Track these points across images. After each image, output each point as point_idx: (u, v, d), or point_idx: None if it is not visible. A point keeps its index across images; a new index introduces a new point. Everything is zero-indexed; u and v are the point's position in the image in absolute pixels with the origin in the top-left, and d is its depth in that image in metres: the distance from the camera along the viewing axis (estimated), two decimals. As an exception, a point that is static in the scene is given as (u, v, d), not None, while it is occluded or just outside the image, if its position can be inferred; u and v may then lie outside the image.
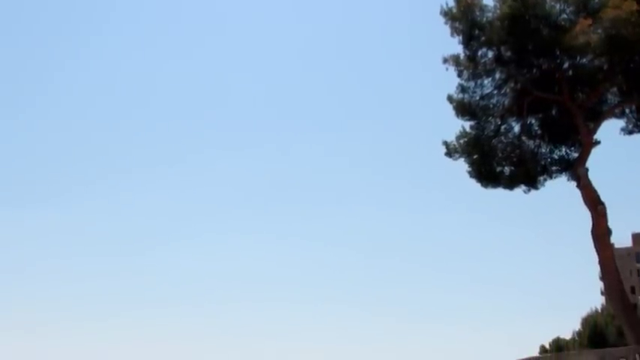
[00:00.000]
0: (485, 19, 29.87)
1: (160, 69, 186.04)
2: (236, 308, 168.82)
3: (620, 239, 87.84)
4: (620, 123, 31.54)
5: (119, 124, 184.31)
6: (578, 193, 30.05)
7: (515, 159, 32.21)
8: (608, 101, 31.11)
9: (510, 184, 32.38)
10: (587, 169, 29.83)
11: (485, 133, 32.06)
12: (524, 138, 32.36)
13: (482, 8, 29.93)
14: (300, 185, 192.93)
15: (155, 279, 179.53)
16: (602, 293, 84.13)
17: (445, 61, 31.13)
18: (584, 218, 29.99)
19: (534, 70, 30.59)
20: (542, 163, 32.59)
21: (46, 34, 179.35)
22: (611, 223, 29.54)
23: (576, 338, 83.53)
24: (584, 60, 29.58)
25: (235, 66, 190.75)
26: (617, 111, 31.10)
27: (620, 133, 31.67)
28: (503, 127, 32.24)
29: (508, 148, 32.34)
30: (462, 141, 31.99)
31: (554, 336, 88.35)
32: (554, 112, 31.88)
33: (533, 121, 32.57)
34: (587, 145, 30.02)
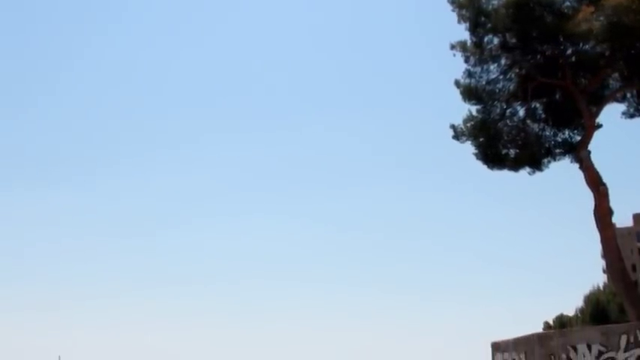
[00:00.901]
0: (490, 6, 30.36)
1: (174, 55, 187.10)
2: (250, 287, 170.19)
3: (622, 219, 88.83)
4: (622, 107, 31.94)
5: (135, 108, 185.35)
6: (580, 174, 30.46)
7: (520, 142, 32.62)
8: (610, 86, 31.46)
9: (515, 165, 32.84)
10: (589, 152, 30.25)
11: (491, 116, 32.45)
12: (528, 121, 32.72)
13: (488, -4, 30.33)
14: (312, 167, 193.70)
15: (170, 258, 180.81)
16: (603, 271, 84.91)
17: (452, 47, 31.70)
18: (587, 199, 30.38)
19: (538, 57, 30.94)
20: (546, 145, 32.92)
21: (64, 23, 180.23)
22: (612, 204, 29.94)
23: (579, 315, 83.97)
24: (587, 46, 29.88)
25: (248, 51, 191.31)
26: (618, 95, 31.46)
27: (621, 117, 32.13)
28: (508, 111, 32.60)
29: (513, 132, 32.72)
30: (468, 124, 32.48)
31: (557, 313, 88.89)
32: (557, 96, 32.22)
33: (537, 106, 32.90)
34: (589, 128, 30.44)
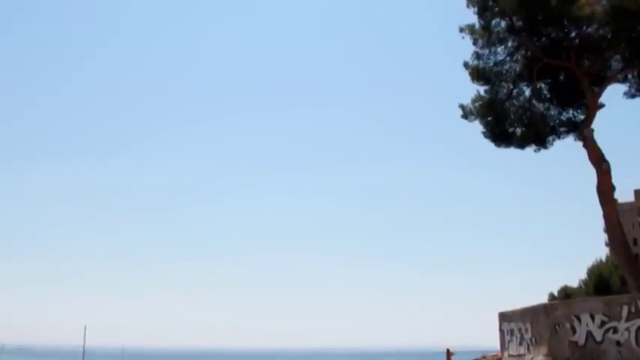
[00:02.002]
0: (498, -9, 30.76)
1: (199, 38, 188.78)
2: (268, 258, 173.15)
3: (623, 195, 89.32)
4: (623, 88, 32.34)
5: (164, 88, 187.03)
6: (584, 152, 30.92)
7: (526, 120, 33.27)
8: (612, 67, 31.73)
9: (522, 143, 33.51)
10: (592, 130, 30.75)
11: (499, 96, 33.06)
12: (534, 101, 33.38)
13: (496, -20, 30.65)
14: (327, 145, 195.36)
15: (193, 233, 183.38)
16: (606, 245, 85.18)
17: (461, 30, 32.33)
18: (590, 175, 30.84)
19: (544, 39, 31.32)
20: (551, 124, 33.52)
21: (96, 5, 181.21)
22: (614, 180, 30.38)
23: (582, 286, 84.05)
24: (590, 29, 30.28)
25: (266, 35, 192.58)
26: (620, 76, 31.80)
27: (623, 97, 32.47)
28: (515, 91, 33.14)
29: (520, 111, 33.36)
30: (476, 104, 33.18)
31: (561, 284, 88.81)
32: (562, 77, 32.62)
33: (542, 86, 33.39)
34: (592, 107, 31.01)
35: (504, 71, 33.00)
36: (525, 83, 33.17)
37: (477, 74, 32.78)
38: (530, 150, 33.91)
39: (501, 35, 31.96)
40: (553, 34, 31.26)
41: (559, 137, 33.61)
